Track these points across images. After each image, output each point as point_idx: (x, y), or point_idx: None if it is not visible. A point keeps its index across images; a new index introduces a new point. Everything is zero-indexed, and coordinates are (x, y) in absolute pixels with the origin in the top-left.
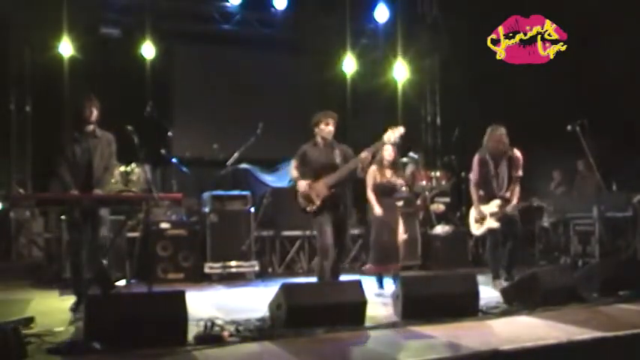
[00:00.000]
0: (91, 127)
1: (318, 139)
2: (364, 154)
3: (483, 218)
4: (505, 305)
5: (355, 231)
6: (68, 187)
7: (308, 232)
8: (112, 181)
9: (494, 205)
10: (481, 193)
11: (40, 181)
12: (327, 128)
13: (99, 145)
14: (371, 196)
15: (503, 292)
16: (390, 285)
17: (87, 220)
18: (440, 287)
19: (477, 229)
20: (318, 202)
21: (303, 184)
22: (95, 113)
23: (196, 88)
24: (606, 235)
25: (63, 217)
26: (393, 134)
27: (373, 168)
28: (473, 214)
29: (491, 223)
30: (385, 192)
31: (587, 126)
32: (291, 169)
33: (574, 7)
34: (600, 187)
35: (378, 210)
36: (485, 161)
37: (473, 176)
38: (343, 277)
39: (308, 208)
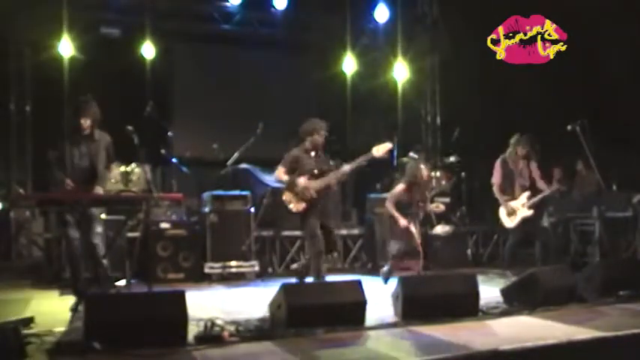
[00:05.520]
0: (87, 132)
1: (308, 146)
2: (348, 166)
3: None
4: (505, 305)
5: (355, 231)
6: (62, 182)
7: None
8: (112, 181)
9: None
10: None
11: (40, 181)
12: (320, 139)
13: (99, 149)
14: (392, 209)
15: (504, 292)
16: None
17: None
18: (440, 287)
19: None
20: (304, 204)
21: (302, 180)
22: (89, 122)
23: (196, 88)
24: (606, 235)
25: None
26: (382, 149)
27: (402, 186)
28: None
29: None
30: (403, 209)
31: (587, 126)
32: (280, 175)
33: (574, 7)
34: (600, 187)
35: (403, 222)
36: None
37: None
38: (343, 278)
39: (294, 208)
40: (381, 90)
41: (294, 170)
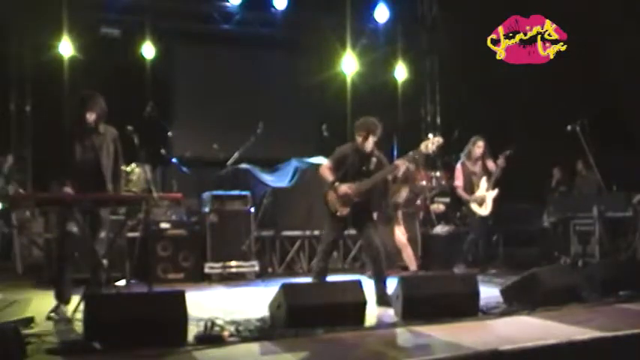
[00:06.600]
0: (92, 125)
1: (358, 144)
2: (400, 162)
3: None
4: (505, 305)
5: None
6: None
7: (308, 232)
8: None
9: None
10: None
11: (40, 181)
12: (358, 139)
13: (104, 142)
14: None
15: (504, 292)
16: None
17: (86, 219)
18: (440, 287)
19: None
20: (349, 208)
21: (344, 187)
22: (94, 116)
23: (196, 88)
24: (606, 235)
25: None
26: (431, 145)
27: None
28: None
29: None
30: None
31: (587, 126)
32: (325, 172)
33: (574, 7)
34: (600, 187)
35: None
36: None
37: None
38: (343, 278)
39: (339, 213)
40: (381, 90)
41: (340, 167)
